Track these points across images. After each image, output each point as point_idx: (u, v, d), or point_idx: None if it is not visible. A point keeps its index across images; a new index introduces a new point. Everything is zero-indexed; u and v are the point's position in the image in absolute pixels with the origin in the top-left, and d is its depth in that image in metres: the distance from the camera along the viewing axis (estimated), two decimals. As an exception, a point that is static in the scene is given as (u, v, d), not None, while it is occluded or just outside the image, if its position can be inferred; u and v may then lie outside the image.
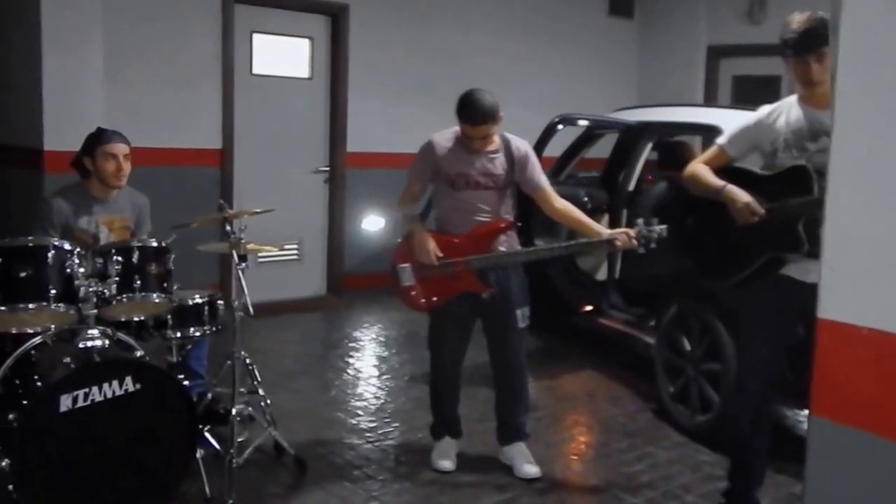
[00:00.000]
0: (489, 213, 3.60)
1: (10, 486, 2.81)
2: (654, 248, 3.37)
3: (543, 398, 4.72)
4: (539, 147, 5.34)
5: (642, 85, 8.83)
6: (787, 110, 3.02)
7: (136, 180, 4.00)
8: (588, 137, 5.97)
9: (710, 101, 8.09)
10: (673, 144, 5.38)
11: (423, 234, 3.59)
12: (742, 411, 3.27)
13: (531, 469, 3.68)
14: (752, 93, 7.54)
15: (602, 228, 3.59)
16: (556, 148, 5.77)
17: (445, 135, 3.64)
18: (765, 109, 3.11)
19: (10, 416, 3.04)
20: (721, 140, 3.20)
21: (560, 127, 5.58)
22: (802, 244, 2.84)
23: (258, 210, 3.85)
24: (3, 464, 2.85)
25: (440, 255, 3.55)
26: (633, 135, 5.29)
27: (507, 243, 3.65)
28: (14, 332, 3.20)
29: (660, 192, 4.77)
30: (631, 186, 5.09)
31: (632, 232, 3.38)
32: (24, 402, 3.02)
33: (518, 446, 3.77)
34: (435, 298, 3.64)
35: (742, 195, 2.98)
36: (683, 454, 4.01)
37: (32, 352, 3.17)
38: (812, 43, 2.82)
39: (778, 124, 3.02)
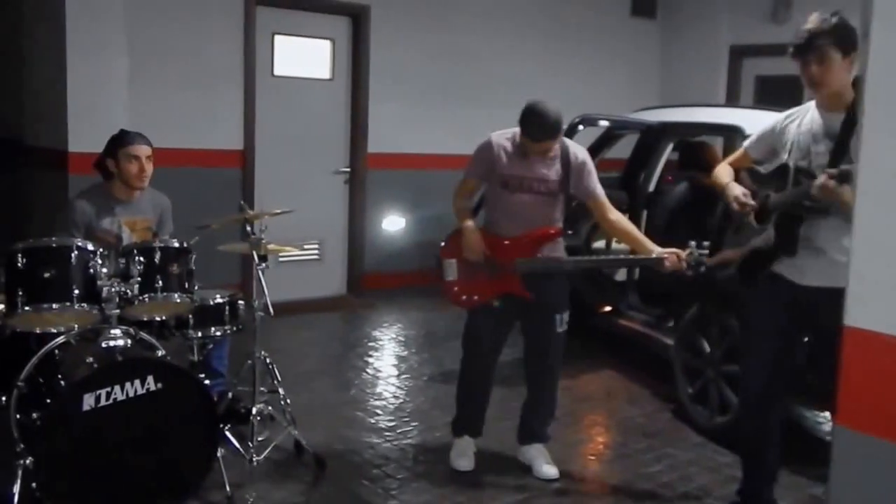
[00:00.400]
0: (540, 219, 3.56)
1: (34, 484, 2.84)
2: (703, 272, 3.35)
3: (562, 398, 4.66)
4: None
5: (664, 86, 8.80)
6: (803, 115, 3.04)
7: (159, 181, 4.05)
8: (608, 138, 5.96)
9: (732, 101, 8.04)
10: (694, 145, 5.35)
11: (473, 232, 3.56)
12: (748, 410, 3.30)
13: (550, 470, 3.68)
14: (775, 93, 7.48)
15: (654, 246, 3.47)
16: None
17: (505, 135, 3.59)
18: (783, 114, 3.15)
19: (34, 415, 3.08)
20: (747, 143, 3.29)
21: (581, 127, 5.57)
22: (770, 240, 2.97)
23: (278, 211, 3.88)
24: (27, 461, 2.89)
25: (487, 254, 3.55)
26: (653, 135, 5.28)
27: (554, 250, 3.62)
28: (38, 331, 3.23)
29: (680, 192, 4.76)
30: (651, 187, 5.08)
31: (682, 254, 3.33)
32: (48, 400, 3.06)
33: (537, 447, 3.78)
34: (476, 297, 3.63)
35: (734, 189, 3.09)
36: (702, 455, 4.00)
37: (56, 351, 3.20)
38: (811, 44, 2.84)
39: (790, 128, 3.05)
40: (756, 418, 3.23)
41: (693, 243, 3.34)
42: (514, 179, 3.53)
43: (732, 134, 4.46)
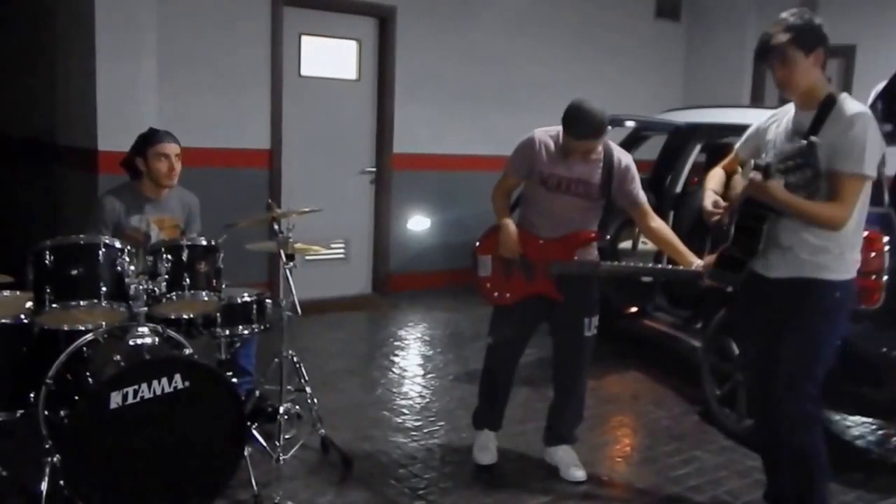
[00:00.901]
0: (577, 221, 3.51)
1: (62, 482, 2.85)
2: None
3: (587, 400, 4.67)
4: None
5: (688, 88, 8.75)
6: (784, 114, 3.05)
7: (187, 181, 4.06)
8: (635, 139, 5.91)
9: (756, 103, 7.95)
10: (722, 146, 5.29)
11: (510, 230, 3.52)
12: (755, 412, 3.34)
13: (578, 472, 3.66)
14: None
15: (694, 257, 3.38)
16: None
17: (549, 132, 3.52)
18: (768, 114, 3.16)
19: (62, 413, 3.08)
20: (738, 144, 3.30)
21: (608, 128, 5.52)
22: (728, 240, 3.00)
23: (305, 209, 3.89)
24: (55, 459, 2.91)
25: (523, 253, 3.52)
26: (681, 136, 5.22)
27: (588, 254, 3.59)
28: (66, 329, 3.22)
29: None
30: (678, 189, 5.02)
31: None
32: (76, 398, 3.05)
33: (564, 448, 3.75)
34: (508, 294, 3.60)
35: (706, 198, 3.13)
36: (731, 459, 3.95)
37: (84, 349, 3.19)
38: (771, 48, 2.85)
39: (771, 128, 3.07)
40: (765, 419, 3.21)
41: None
42: (553, 178, 3.47)
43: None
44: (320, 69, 6.59)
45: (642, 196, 3.54)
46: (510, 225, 3.54)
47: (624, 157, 3.52)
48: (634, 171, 3.52)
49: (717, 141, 5.33)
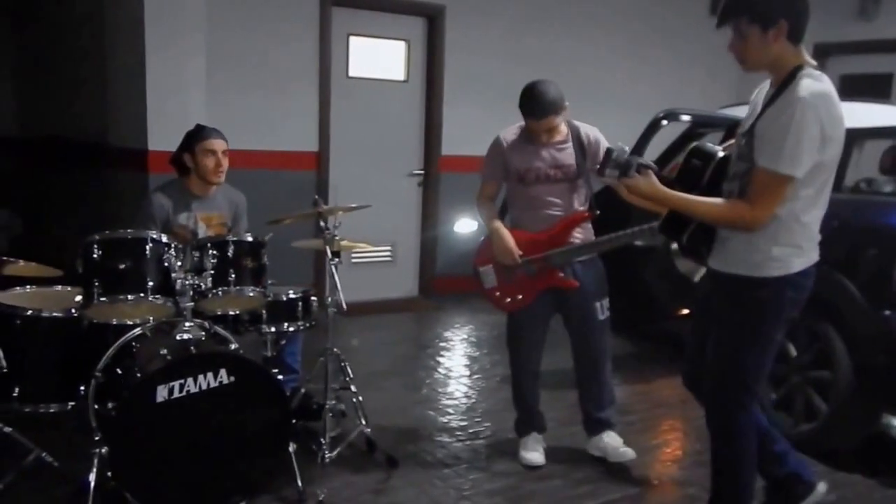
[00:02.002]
0: (562, 207, 3.54)
1: (109, 473, 2.89)
2: None
3: (636, 403, 4.60)
4: (642, 143, 5.21)
5: (742, 86, 8.45)
6: (761, 91, 2.80)
7: (235, 182, 4.09)
8: (690, 136, 5.78)
9: None
10: None
11: (502, 235, 3.54)
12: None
13: (627, 451, 3.66)
14: (861, 93, 7.16)
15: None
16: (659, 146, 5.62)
17: (511, 130, 3.60)
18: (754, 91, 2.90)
19: (110, 405, 3.14)
20: None
21: (664, 122, 5.41)
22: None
23: (352, 206, 3.87)
24: (103, 450, 2.94)
25: (520, 254, 3.50)
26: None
27: (584, 234, 3.58)
28: (115, 322, 3.26)
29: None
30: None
31: None
32: (124, 391, 3.08)
33: (608, 434, 3.74)
34: (520, 297, 3.60)
35: None
36: (787, 464, 3.82)
37: (133, 343, 3.23)
38: (726, 21, 2.66)
39: (750, 106, 2.83)
40: (710, 417, 2.99)
41: None
42: (530, 173, 3.51)
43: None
44: (368, 70, 6.59)
45: None
46: (501, 229, 3.55)
47: (591, 132, 3.55)
48: (604, 142, 3.51)
49: None
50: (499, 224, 3.59)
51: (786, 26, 2.53)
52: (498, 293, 3.65)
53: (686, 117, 5.62)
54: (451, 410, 4.41)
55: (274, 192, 5.78)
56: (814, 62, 2.60)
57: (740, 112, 5.36)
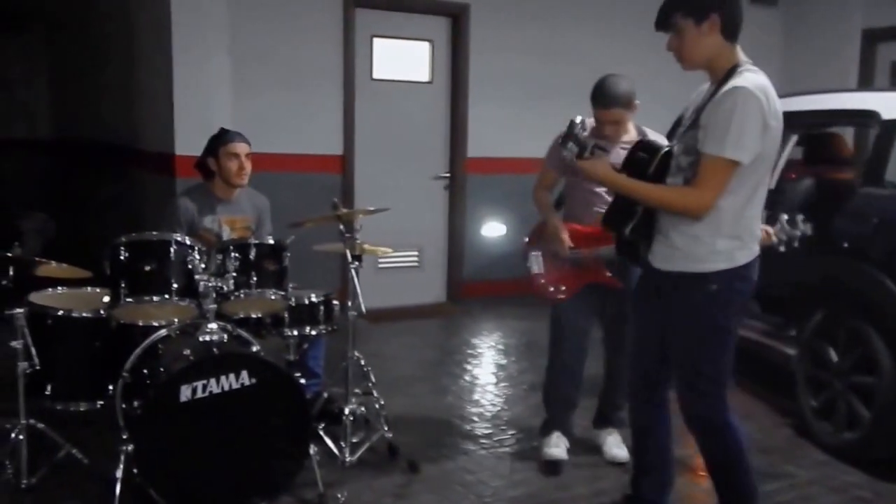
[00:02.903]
0: None
1: (135, 470, 2.93)
2: (797, 247, 3.14)
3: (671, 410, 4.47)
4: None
5: (786, 75, 8.16)
6: (700, 93, 2.84)
7: (259, 185, 4.08)
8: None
9: (864, 87, 7.28)
10: (821, 136, 4.94)
11: (555, 223, 3.52)
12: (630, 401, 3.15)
13: (620, 452, 3.70)
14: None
15: None
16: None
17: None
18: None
19: (136, 404, 3.20)
20: None
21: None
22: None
23: (371, 209, 3.82)
24: (129, 448, 2.98)
25: (571, 245, 3.47)
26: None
27: None
28: (141, 324, 3.30)
29: (804, 190, 4.40)
30: (772, 184, 4.70)
31: (771, 229, 3.14)
32: (149, 391, 3.15)
33: (610, 431, 3.82)
34: (563, 287, 3.57)
35: None
36: (826, 474, 3.70)
37: (158, 344, 3.30)
38: (661, 18, 2.69)
39: (690, 104, 2.87)
40: (635, 411, 3.10)
41: (785, 217, 3.14)
42: None
43: (867, 121, 4.07)
44: (392, 72, 6.52)
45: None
46: (554, 219, 3.54)
47: (659, 138, 3.48)
48: None
49: (815, 131, 4.97)
50: (553, 214, 3.60)
51: (718, 21, 2.61)
52: (543, 280, 3.63)
53: None
54: (475, 418, 4.33)
55: (299, 195, 5.74)
56: (750, 60, 2.68)
57: (783, 105, 5.19)
